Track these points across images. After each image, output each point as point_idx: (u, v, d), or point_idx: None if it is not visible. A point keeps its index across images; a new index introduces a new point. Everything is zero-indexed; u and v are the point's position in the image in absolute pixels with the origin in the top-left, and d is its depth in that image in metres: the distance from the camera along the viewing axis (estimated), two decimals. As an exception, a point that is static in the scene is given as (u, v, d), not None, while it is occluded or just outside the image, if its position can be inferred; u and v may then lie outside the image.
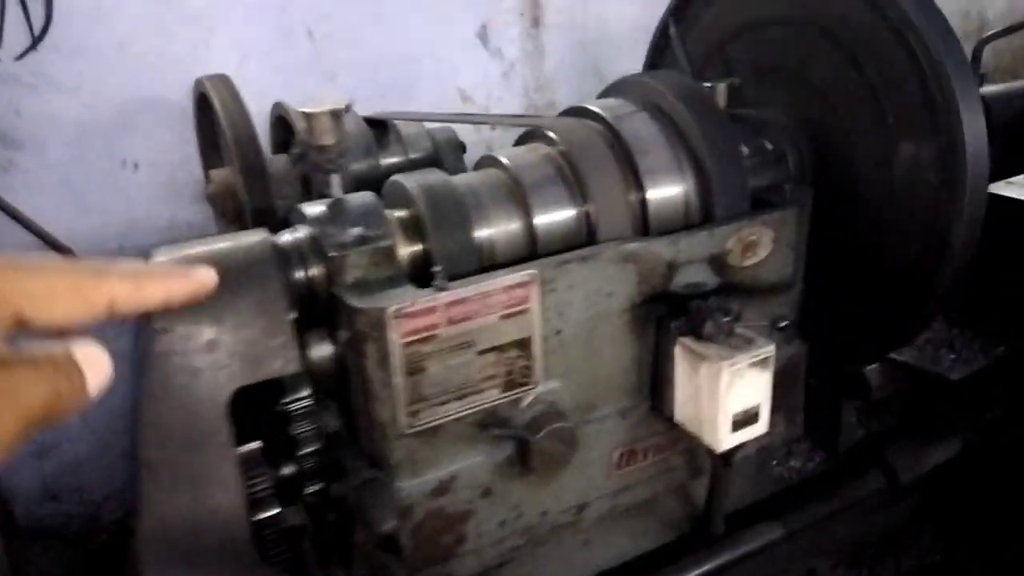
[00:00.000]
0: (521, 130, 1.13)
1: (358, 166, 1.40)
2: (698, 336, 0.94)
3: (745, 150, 1.08)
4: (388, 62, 1.82)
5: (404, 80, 1.85)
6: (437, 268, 0.87)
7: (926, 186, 1.02)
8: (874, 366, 1.25)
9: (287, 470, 0.95)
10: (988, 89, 1.29)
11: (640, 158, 0.99)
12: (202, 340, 0.84)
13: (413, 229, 0.94)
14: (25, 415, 0.42)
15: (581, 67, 2.02)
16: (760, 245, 1.00)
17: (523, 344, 0.92)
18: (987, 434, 1.31)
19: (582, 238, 0.99)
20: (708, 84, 1.12)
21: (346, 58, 1.78)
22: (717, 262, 0.99)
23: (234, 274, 0.83)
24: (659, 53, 1.39)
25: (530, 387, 0.95)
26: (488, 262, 0.96)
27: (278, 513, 0.94)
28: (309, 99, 0.92)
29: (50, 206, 1.63)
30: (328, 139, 0.89)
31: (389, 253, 0.90)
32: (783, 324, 0.92)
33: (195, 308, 0.74)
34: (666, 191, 1.00)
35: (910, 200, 1.05)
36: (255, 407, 0.93)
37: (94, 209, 1.69)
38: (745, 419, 0.96)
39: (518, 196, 0.98)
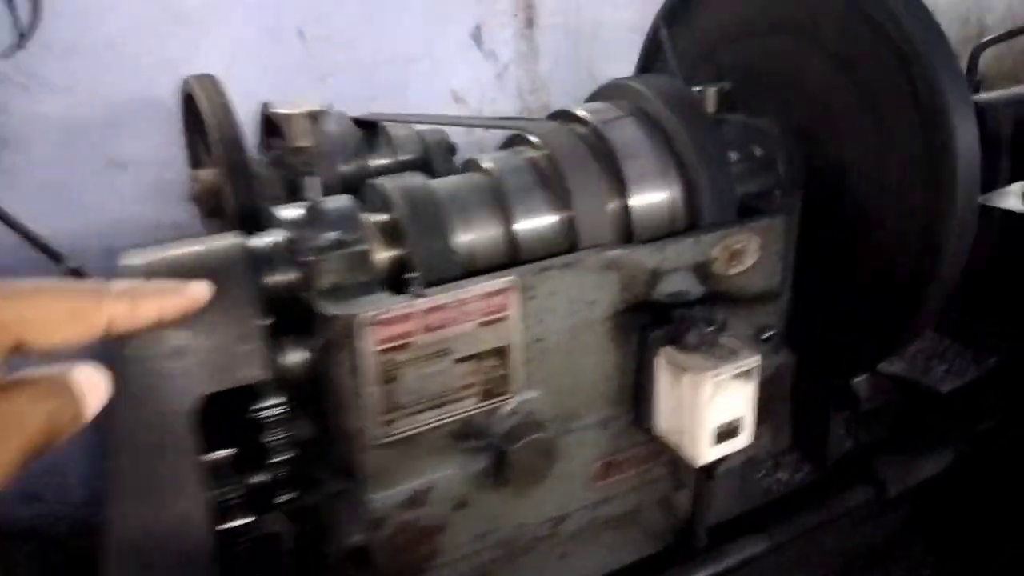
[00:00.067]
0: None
1: (346, 167, 1.39)
2: (681, 346, 0.93)
3: (734, 156, 1.06)
4: (380, 63, 1.80)
5: (396, 81, 1.83)
6: (413, 274, 0.85)
7: (916, 196, 1.00)
8: (863, 377, 1.23)
9: (258, 478, 0.94)
10: (984, 96, 1.27)
11: (625, 164, 0.98)
12: (170, 346, 0.82)
13: (391, 234, 0.92)
14: (26, 441, 0.41)
15: (575, 69, 2.00)
16: (746, 253, 0.98)
17: (502, 352, 0.91)
18: (978, 446, 1.29)
19: (564, 245, 0.97)
20: (698, 89, 1.10)
21: (338, 59, 1.76)
22: (702, 270, 0.97)
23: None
24: (651, 56, 1.38)
25: (509, 396, 0.93)
26: (468, 268, 0.94)
27: (250, 522, 0.93)
28: (287, 101, 0.90)
29: (36, 205, 1.61)
30: (305, 141, 0.88)
31: (365, 258, 0.88)
32: (767, 335, 0.89)
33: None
34: (651, 197, 0.98)
35: (900, 210, 1.03)
36: (229, 412, 0.91)
37: (81, 209, 1.67)
38: (728, 432, 0.94)
39: (499, 201, 0.96)
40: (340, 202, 0.91)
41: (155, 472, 0.85)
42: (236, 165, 1.27)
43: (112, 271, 0.84)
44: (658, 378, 0.96)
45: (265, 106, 1.45)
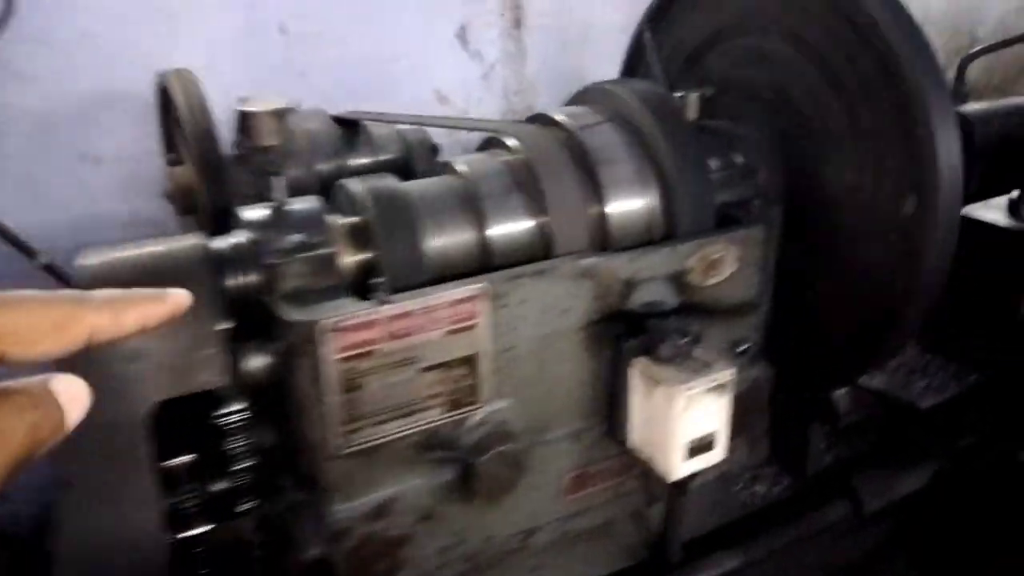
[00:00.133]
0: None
1: (324, 166, 1.36)
2: (654, 358, 0.90)
3: (715, 163, 1.04)
4: (363, 61, 1.77)
5: (379, 80, 1.80)
6: (378, 280, 0.82)
7: (898, 209, 0.98)
8: (844, 391, 1.21)
9: (219, 486, 0.91)
10: (971, 107, 1.25)
11: (602, 170, 0.95)
12: (125, 349, 0.79)
13: (359, 237, 0.89)
14: (11, 454, 0.41)
15: (564, 71, 1.98)
16: (724, 264, 0.95)
17: (471, 361, 0.88)
18: (959, 463, 1.27)
19: (539, 251, 0.95)
20: (680, 94, 1.08)
21: (319, 56, 1.73)
22: (679, 280, 0.95)
23: (162, 280, 0.79)
24: (635, 60, 1.35)
25: (477, 407, 0.90)
26: (439, 274, 0.91)
27: (214, 529, 0.91)
28: (252, 98, 0.88)
29: (7, 199, 1.58)
30: (270, 140, 0.85)
31: (330, 262, 0.85)
32: (742, 348, 0.87)
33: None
34: (628, 205, 0.96)
35: (881, 223, 1.01)
36: (194, 416, 0.89)
37: (53, 203, 1.64)
38: (700, 446, 0.91)
39: (473, 205, 0.93)
40: (306, 203, 0.89)
41: (108, 478, 0.82)
42: (209, 163, 1.24)
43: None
44: (631, 390, 0.93)
45: (240, 102, 1.42)
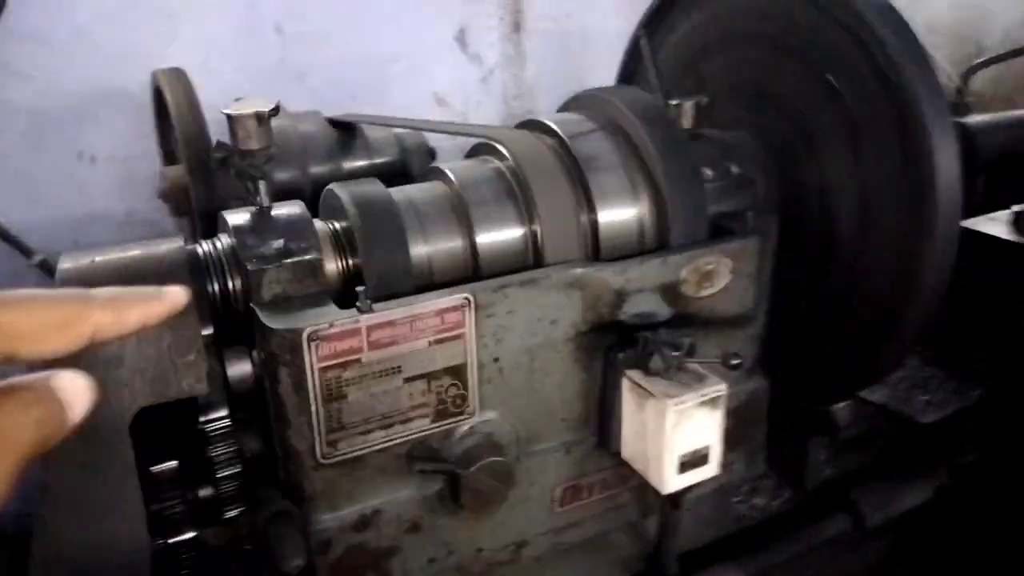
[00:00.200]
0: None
1: (319, 169, 1.35)
2: (645, 370, 0.88)
3: (709, 173, 1.02)
4: (361, 63, 1.76)
5: (378, 82, 1.79)
6: (361, 288, 0.81)
7: (896, 222, 0.96)
8: (843, 404, 1.19)
9: (205, 492, 0.89)
10: (974, 119, 1.23)
11: (593, 178, 0.93)
12: (106, 354, 0.78)
13: (344, 243, 0.88)
14: (21, 453, 0.41)
15: (563, 75, 1.96)
16: (717, 275, 0.93)
17: (457, 372, 0.86)
18: (961, 478, 1.25)
19: (528, 260, 0.93)
20: (675, 102, 1.06)
21: (317, 57, 1.72)
22: (671, 292, 0.93)
23: (143, 284, 0.78)
24: (632, 66, 1.33)
25: (464, 418, 0.88)
26: (426, 282, 0.90)
27: (194, 537, 0.89)
28: (236, 100, 0.86)
29: (3, 197, 1.57)
30: (252, 144, 0.83)
31: (314, 268, 0.83)
32: (735, 362, 0.85)
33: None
34: (618, 214, 0.94)
35: (880, 235, 0.99)
36: (181, 420, 0.87)
37: (49, 202, 1.63)
38: (693, 461, 0.89)
39: (461, 212, 0.92)
40: (290, 208, 0.87)
41: (90, 485, 0.81)
42: (201, 164, 1.23)
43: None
44: (623, 402, 0.91)
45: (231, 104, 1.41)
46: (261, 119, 0.81)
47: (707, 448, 0.90)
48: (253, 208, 0.86)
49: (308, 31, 1.69)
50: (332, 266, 0.87)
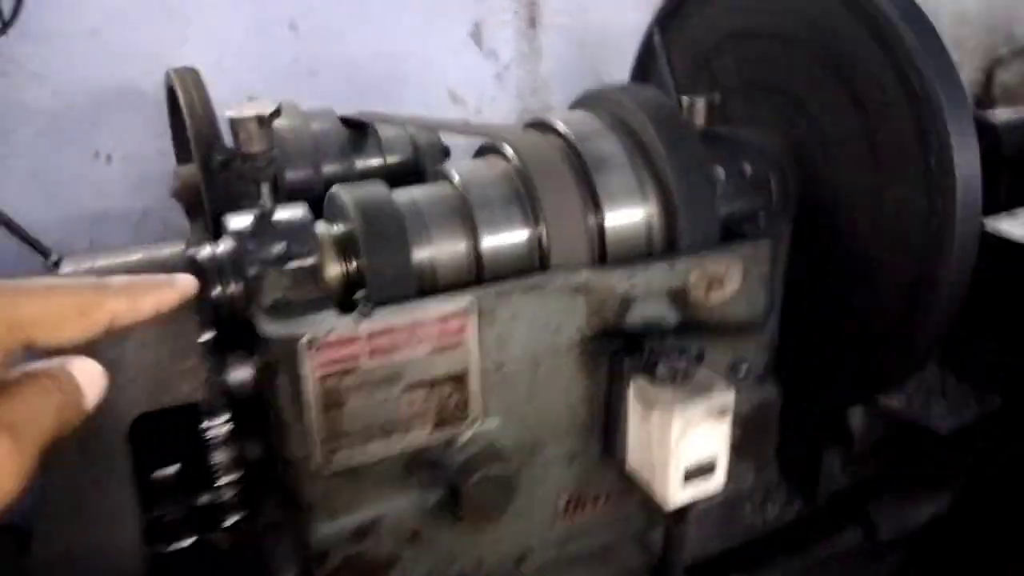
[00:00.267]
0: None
1: (332, 168, 1.34)
2: (651, 378, 0.86)
3: (721, 173, 0.99)
4: (374, 60, 1.74)
5: (392, 79, 1.77)
6: (361, 293, 0.79)
7: (914, 225, 0.93)
8: (859, 413, 1.16)
9: (205, 498, 0.89)
10: (999, 114, 1.19)
11: (600, 179, 0.91)
12: (103, 359, 0.77)
13: (345, 247, 0.86)
14: (41, 438, 0.43)
15: (579, 71, 1.93)
16: (727, 280, 0.91)
17: (458, 379, 0.85)
18: (980, 490, 1.21)
19: (533, 263, 0.91)
20: (687, 100, 1.03)
21: (331, 54, 1.71)
22: (679, 297, 0.90)
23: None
24: (645, 62, 1.31)
25: (465, 426, 0.87)
26: (429, 286, 0.88)
27: (192, 544, 0.89)
28: (238, 102, 0.85)
29: (19, 197, 1.58)
30: (254, 147, 0.82)
31: (315, 273, 0.82)
32: (743, 371, 0.83)
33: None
34: (626, 216, 0.91)
35: (897, 238, 0.96)
36: (183, 424, 0.87)
37: (64, 201, 1.64)
38: (699, 472, 0.87)
39: (465, 215, 0.90)
40: (292, 212, 0.86)
41: (86, 491, 0.80)
42: (210, 164, 1.22)
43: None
44: (628, 411, 0.89)
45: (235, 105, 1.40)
46: (263, 122, 0.80)
47: (714, 459, 0.88)
48: (255, 211, 0.85)
49: (321, 28, 1.68)
50: (334, 270, 0.85)
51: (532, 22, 1.86)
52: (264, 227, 0.83)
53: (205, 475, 0.88)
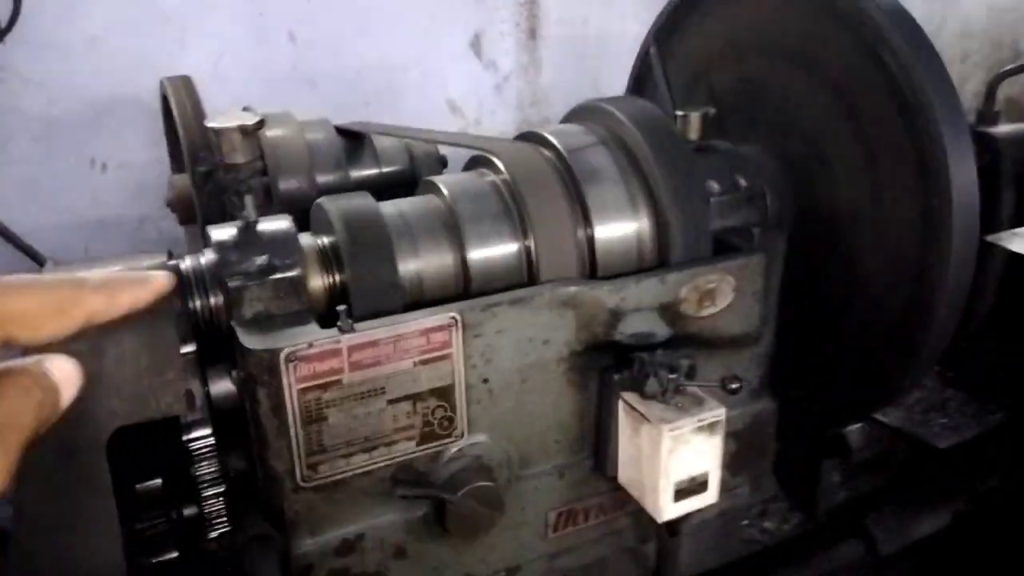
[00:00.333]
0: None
1: (327, 178, 1.33)
2: (641, 394, 0.85)
3: (716, 187, 0.98)
4: (373, 70, 1.74)
5: (390, 89, 1.77)
6: (343, 306, 0.78)
7: (910, 240, 0.91)
8: (857, 426, 1.14)
9: (189, 511, 0.87)
10: (1001, 129, 1.17)
11: (590, 192, 0.90)
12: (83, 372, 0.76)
13: (330, 259, 0.85)
14: (24, 435, 0.43)
15: (579, 82, 1.92)
16: (719, 294, 0.89)
17: (444, 393, 0.83)
18: (980, 505, 1.19)
19: (522, 276, 0.90)
20: (682, 114, 1.02)
21: (329, 64, 1.71)
22: (670, 311, 0.89)
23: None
24: (643, 75, 1.29)
25: (452, 440, 0.85)
26: (415, 299, 0.87)
27: (175, 558, 0.87)
28: (223, 112, 0.84)
29: (14, 204, 1.58)
30: (237, 158, 0.81)
31: (297, 286, 0.81)
32: (734, 387, 0.81)
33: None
34: (617, 229, 0.90)
35: (893, 253, 0.94)
36: (162, 438, 0.86)
37: (61, 209, 1.64)
38: (691, 488, 0.86)
39: (452, 227, 0.89)
40: (277, 223, 0.85)
41: (65, 505, 0.79)
42: (194, 175, 1.22)
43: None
44: (618, 426, 0.88)
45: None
46: (246, 132, 0.79)
47: (705, 475, 0.86)
48: (239, 223, 0.84)
49: (321, 38, 1.68)
50: (317, 283, 0.84)
51: (532, 33, 1.85)
52: (247, 238, 0.82)
53: (189, 488, 0.87)
